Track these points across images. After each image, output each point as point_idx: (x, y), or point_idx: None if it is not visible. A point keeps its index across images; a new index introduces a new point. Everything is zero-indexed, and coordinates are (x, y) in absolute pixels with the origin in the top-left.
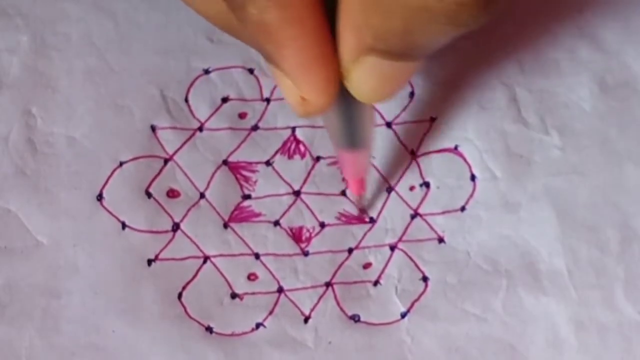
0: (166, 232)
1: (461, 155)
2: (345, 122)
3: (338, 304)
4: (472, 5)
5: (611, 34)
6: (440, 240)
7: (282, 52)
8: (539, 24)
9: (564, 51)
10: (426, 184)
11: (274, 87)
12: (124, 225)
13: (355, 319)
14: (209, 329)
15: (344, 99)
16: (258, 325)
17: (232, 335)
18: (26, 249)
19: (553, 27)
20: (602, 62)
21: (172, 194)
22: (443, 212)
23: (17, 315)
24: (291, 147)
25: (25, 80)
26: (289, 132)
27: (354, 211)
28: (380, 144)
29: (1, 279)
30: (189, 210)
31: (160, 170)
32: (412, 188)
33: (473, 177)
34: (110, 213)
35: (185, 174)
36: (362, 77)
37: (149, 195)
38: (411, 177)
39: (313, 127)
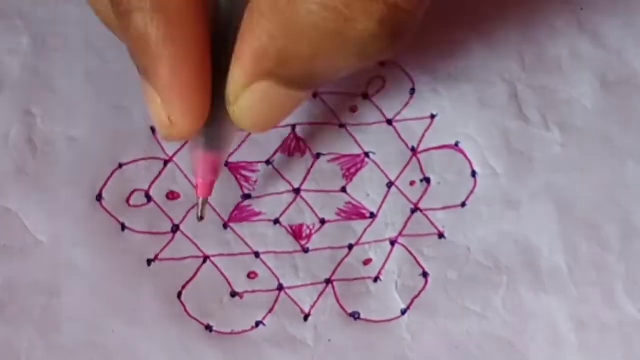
0: (166, 233)
1: (462, 152)
2: (206, 125)
3: (338, 301)
4: (382, 38)
5: (612, 31)
6: (441, 235)
7: (158, 69)
8: (541, 20)
9: (565, 48)
10: (427, 180)
11: None
12: (123, 227)
13: (355, 316)
14: (208, 328)
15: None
16: (258, 324)
17: (231, 333)
18: (26, 247)
19: (554, 23)
20: (603, 58)
21: (171, 195)
22: (443, 208)
23: (17, 314)
24: (291, 145)
25: (26, 81)
26: (289, 130)
27: (355, 204)
28: (381, 141)
29: (0, 277)
30: (188, 211)
31: (160, 172)
32: (412, 183)
33: (474, 174)
34: (110, 214)
35: (185, 176)
36: (250, 105)
37: (148, 197)
38: (412, 173)
39: (313, 124)
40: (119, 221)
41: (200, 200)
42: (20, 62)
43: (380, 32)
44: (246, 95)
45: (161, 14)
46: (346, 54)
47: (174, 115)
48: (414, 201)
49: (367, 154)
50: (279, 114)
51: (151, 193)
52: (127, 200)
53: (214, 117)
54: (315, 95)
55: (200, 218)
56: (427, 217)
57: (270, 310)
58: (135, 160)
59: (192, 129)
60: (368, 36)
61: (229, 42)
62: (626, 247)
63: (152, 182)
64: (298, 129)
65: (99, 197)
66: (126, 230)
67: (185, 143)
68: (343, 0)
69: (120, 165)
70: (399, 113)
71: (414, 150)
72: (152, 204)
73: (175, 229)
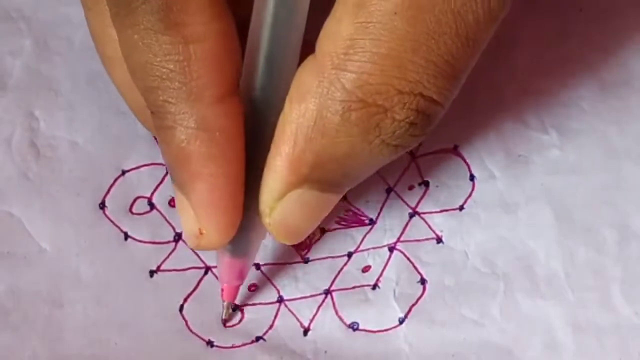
0: (168, 242)
1: (460, 155)
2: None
3: (337, 312)
4: (418, 125)
5: (610, 33)
6: (439, 240)
7: (196, 185)
8: (537, 22)
9: (563, 49)
10: (425, 183)
11: None
12: (126, 236)
13: (354, 327)
14: (209, 343)
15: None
16: (258, 339)
17: (232, 347)
18: (29, 255)
19: (551, 25)
20: (600, 60)
21: (173, 203)
22: (441, 211)
23: (21, 322)
24: None
25: (28, 83)
26: None
27: (355, 211)
28: None
29: (4, 284)
30: None
31: (163, 179)
32: (411, 187)
33: (472, 177)
34: (113, 222)
35: None
36: (285, 215)
37: (151, 205)
38: (410, 177)
39: None
40: (121, 230)
41: (225, 304)
42: (22, 64)
43: (416, 119)
44: (281, 205)
45: (205, 133)
46: (384, 146)
47: (206, 229)
48: (412, 205)
49: None
50: (314, 220)
51: (154, 200)
52: (130, 208)
53: (242, 225)
54: None
55: (225, 321)
56: (425, 220)
57: (271, 326)
58: (138, 167)
59: (223, 242)
60: (406, 124)
61: (259, 150)
62: (623, 250)
63: (155, 189)
64: None
65: (102, 205)
66: (129, 240)
67: None
68: (382, 94)
69: (123, 172)
70: None
71: (412, 154)
72: (154, 211)
73: (177, 237)
